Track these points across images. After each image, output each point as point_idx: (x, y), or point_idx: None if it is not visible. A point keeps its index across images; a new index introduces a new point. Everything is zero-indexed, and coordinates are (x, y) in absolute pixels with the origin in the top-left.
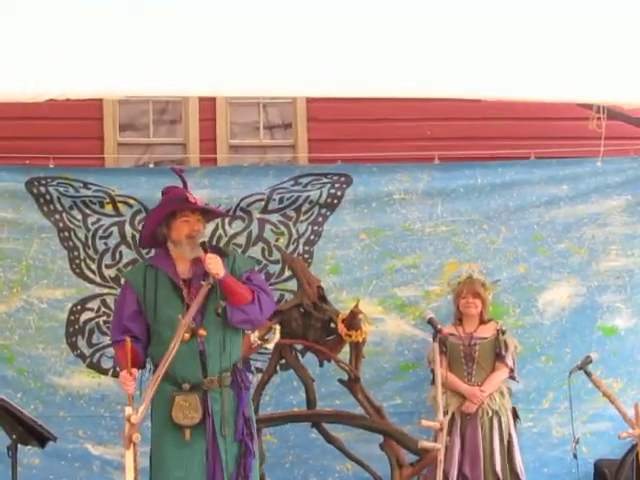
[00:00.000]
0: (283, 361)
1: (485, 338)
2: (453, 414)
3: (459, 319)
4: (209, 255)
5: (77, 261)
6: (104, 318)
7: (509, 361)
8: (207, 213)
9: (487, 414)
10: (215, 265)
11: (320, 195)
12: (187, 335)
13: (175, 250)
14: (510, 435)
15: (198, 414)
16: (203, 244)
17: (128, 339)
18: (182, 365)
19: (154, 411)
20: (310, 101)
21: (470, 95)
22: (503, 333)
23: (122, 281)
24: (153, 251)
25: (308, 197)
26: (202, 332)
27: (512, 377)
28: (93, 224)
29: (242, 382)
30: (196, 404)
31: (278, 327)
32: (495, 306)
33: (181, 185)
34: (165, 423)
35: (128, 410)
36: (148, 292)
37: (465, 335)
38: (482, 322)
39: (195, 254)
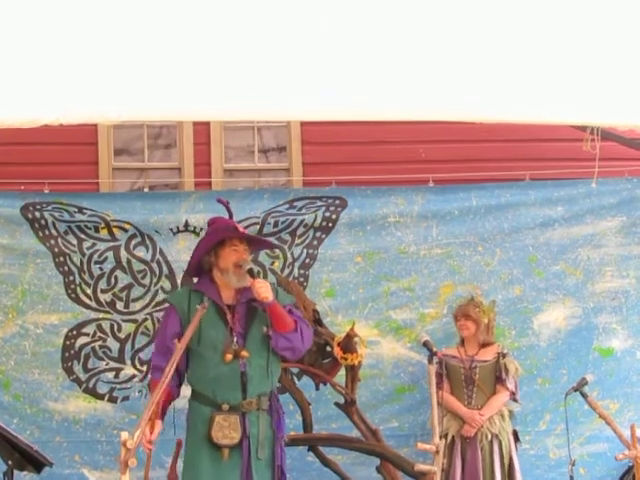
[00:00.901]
0: (279, 385)
1: (486, 361)
2: (453, 437)
3: (462, 341)
4: (258, 280)
5: (73, 286)
6: (100, 343)
7: (510, 384)
8: (253, 244)
9: (487, 437)
10: (265, 289)
11: (315, 218)
12: (229, 356)
13: (221, 278)
14: (511, 458)
15: (238, 434)
16: (250, 270)
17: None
18: (222, 385)
19: (190, 430)
20: (304, 124)
21: (464, 118)
22: (504, 356)
23: (165, 305)
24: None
25: (303, 220)
26: (245, 354)
27: (514, 399)
28: (88, 249)
29: (279, 408)
30: (236, 424)
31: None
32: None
33: (226, 215)
34: (202, 442)
35: (124, 435)
36: (193, 316)
37: (466, 358)
38: (483, 344)
39: (241, 284)
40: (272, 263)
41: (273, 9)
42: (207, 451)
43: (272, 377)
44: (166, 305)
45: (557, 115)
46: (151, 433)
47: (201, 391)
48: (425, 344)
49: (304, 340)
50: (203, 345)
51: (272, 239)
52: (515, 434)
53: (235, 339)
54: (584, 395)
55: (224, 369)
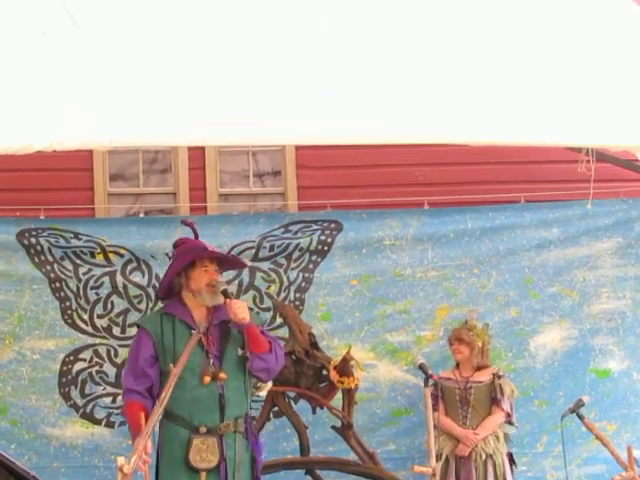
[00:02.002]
0: (276, 408)
1: (481, 382)
2: (447, 457)
3: (457, 364)
4: (235, 301)
5: (69, 311)
6: (97, 368)
7: (505, 405)
8: (223, 263)
9: (481, 457)
10: (243, 310)
11: (310, 242)
12: (208, 378)
13: (192, 299)
14: (505, 479)
15: (215, 457)
16: (225, 291)
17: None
18: (200, 408)
19: (164, 454)
20: (299, 148)
21: (458, 140)
22: (499, 377)
23: (135, 329)
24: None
25: (298, 244)
26: (222, 376)
27: (510, 422)
28: (84, 274)
29: (254, 430)
30: (214, 447)
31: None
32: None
33: (192, 236)
34: (178, 466)
35: (121, 460)
36: (166, 339)
37: (461, 379)
38: (478, 368)
39: (215, 302)
40: (268, 287)
41: (268, 34)
42: (184, 474)
43: (248, 399)
44: (139, 329)
45: (552, 137)
46: (146, 453)
47: (177, 413)
48: (421, 367)
49: (278, 360)
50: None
51: (268, 263)
52: (510, 457)
53: (212, 361)
54: (581, 417)
55: (202, 391)
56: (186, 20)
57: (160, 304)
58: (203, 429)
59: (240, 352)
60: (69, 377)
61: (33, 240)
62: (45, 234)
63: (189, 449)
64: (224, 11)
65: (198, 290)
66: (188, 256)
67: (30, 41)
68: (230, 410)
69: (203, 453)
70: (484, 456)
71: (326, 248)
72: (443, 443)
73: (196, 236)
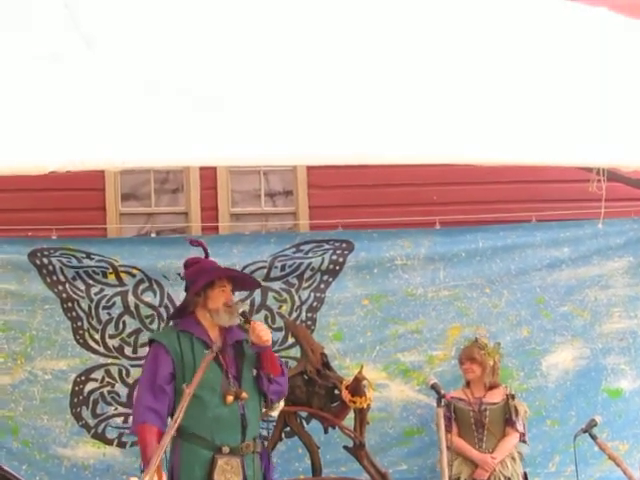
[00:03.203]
0: (288, 428)
1: (495, 403)
2: None
3: (467, 383)
4: (258, 323)
5: (81, 331)
6: (108, 388)
7: (519, 426)
8: (236, 283)
9: None
10: (266, 333)
11: (322, 262)
12: (231, 398)
13: (208, 318)
14: None
15: (239, 478)
16: (244, 313)
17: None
18: (222, 428)
19: (183, 475)
20: (310, 168)
21: (469, 160)
22: (512, 398)
23: (149, 344)
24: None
25: (310, 264)
26: (244, 395)
27: (524, 441)
28: (96, 294)
29: (267, 450)
30: (238, 468)
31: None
32: (500, 369)
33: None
34: None
35: None
36: (185, 357)
37: (474, 400)
38: (489, 387)
39: (232, 322)
40: (280, 307)
41: (279, 57)
42: None
43: (260, 419)
44: (154, 344)
45: (563, 156)
46: (159, 475)
47: (197, 432)
48: (433, 387)
49: (287, 383)
50: (199, 386)
51: (280, 283)
52: (525, 477)
53: (231, 381)
54: (593, 437)
55: (224, 411)
56: (199, 42)
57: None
58: (226, 449)
59: (255, 372)
60: (81, 397)
61: (45, 260)
62: (57, 254)
63: (213, 470)
64: (237, 33)
65: (216, 310)
66: (209, 275)
67: (44, 64)
68: (250, 430)
69: (227, 474)
70: (502, 479)
71: (338, 268)
72: (460, 467)
73: (206, 255)
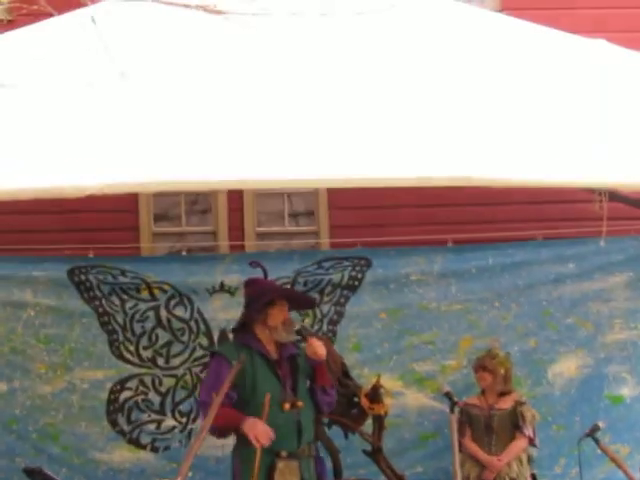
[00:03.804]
0: None
1: (504, 409)
2: None
3: (482, 391)
4: (315, 340)
5: (116, 343)
6: (142, 397)
7: (527, 431)
8: (294, 302)
9: None
10: (322, 348)
11: (342, 278)
12: (288, 405)
13: (266, 334)
14: None
15: (297, 479)
16: (301, 330)
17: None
18: (280, 433)
19: (246, 478)
20: (331, 191)
21: (480, 183)
22: (521, 404)
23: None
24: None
25: (331, 280)
26: (300, 404)
27: (533, 444)
28: (130, 309)
29: (320, 455)
30: (296, 470)
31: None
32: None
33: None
34: None
35: None
36: (246, 369)
37: (486, 406)
38: (501, 393)
39: (289, 339)
40: (303, 320)
41: (299, 86)
42: None
43: (315, 426)
44: (216, 356)
45: (567, 178)
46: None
47: None
48: (447, 394)
49: (335, 395)
50: (259, 396)
51: None
52: (534, 477)
53: (288, 391)
54: (596, 440)
55: (282, 418)
56: (226, 69)
57: (202, 337)
58: (284, 453)
59: (308, 384)
60: (116, 405)
61: (83, 277)
62: (94, 271)
63: (273, 473)
64: (258, 61)
65: (275, 327)
66: (270, 294)
67: (80, 93)
68: (305, 436)
69: (287, 476)
70: None
71: (356, 283)
72: (470, 469)
73: (265, 275)
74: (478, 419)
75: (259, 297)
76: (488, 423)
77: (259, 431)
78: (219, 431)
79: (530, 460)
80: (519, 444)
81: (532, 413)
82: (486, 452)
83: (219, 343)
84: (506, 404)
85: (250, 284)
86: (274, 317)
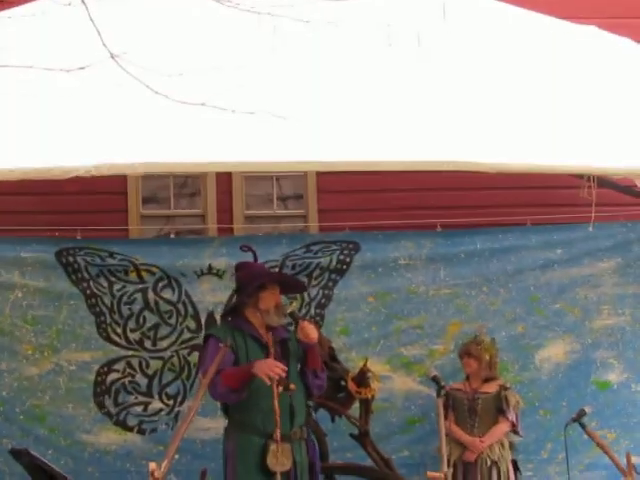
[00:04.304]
0: None
1: (488, 393)
2: (455, 463)
3: (467, 377)
4: (307, 323)
5: (104, 326)
6: (129, 379)
7: (510, 415)
8: (285, 286)
9: (486, 463)
10: (314, 331)
11: (330, 261)
12: (281, 388)
13: (258, 317)
14: None
15: (289, 461)
16: (293, 313)
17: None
18: (273, 417)
19: (239, 461)
20: (320, 174)
21: (469, 167)
22: (505, 389)
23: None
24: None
25: (319, 263)
26: (293, 387)
27: (515, 432)
28: (118, 291)
29: (312, 437)
30: (288, 452)
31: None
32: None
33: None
34: (254, 471)
35: (152, 465)
36: (240, 351)
37: (470, 390)
38: (486, 379)
39: (280, 322)
40: (290, 303)
41: (295, 74)
42: (261, 478)
43: (306, 409)
44: (211, 338)
45: (557, 164)
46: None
47: (250, 422)
48: (434, 379)
49: (326, 378)
50: (255, 382)
51: None
52: (515, 464)
53: None
54: (583, 426)
55: (274, 401)
56: (220, 50)
57: (190, 319)
58: (277, 436)
59: (299, 367)
60: (103, 387)
61: (71, 259)
62: (82, 253)
63: (266, 454)
64: (250, 43)
65: (266, 310)
66: (261, 278)
67: (70, 75)
68: (298, 419)
69: (280, 457)
70: (489, 462)
71: (345, 267)
72: (452, 450)
73: (255, 259)
74: (461, 402)
75: (250, 281)
76: (472, 406)
77: (268, 366)
78: (236, 393)
79: (512, 446)
80: (502, 427)
81: (516, 399)
82: (468, 435)
83: (207, 326)
84: (491, 388)
85: (241, 268)
86: (266, 301)
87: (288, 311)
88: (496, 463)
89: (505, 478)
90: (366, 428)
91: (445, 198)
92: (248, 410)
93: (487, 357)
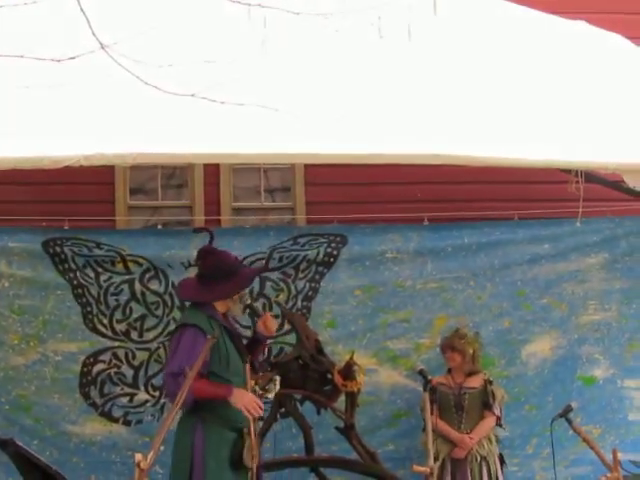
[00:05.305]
0: (283, 410)
1: (474, 388)
2: (444, 460)
3: (449, 370)
4: (270, 316)
5: (90, 316)
6: (115, 370)
7: (496, 410)
8: None
9: (476, 460)
10: (275, 325)
11: (317, 254)
12: (252, 382)
13: (224, 306)
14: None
15: (259, 455)
16: (251, 306)
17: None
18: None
19: (211, 455)
20: (307, 166)
21: (457, 161)
22: (490, 383)
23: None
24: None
25: (306, 256)
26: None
27: (499, 425)
28: (105, 282)
29: None
30: (258, 446)
31: (278, 378)
32: (482, 357)
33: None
34: (226, 466)
35: (138, 456)
36: (219, 342)
37: (455, 385)
38: (469, 373)
39: (239, 312)
40: (277, 295)
41: (291, 68)
42: (233, 473)
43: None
44: (189, 327)
45: (544, 159)
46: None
47: (224, 415)
48: (420, 372)
49: None
50: (231, 372)
51: (277, 273)
52: (501, 457)
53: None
54: (569, 421)
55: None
56: (209, 39)
57: (176, 311)
58: (246, 430)
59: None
60: (89, 378)
61: (58, 249)
62: (69, 243)
63: (243, 449)
64: (244, 34)
65: (234, 301)
66: (242, 283)
67: (61, 65)
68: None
69: (254, 451)
70: (479, 458)
71: (332, 260)
72: (440, 447)
73: (211, 241)
74: (447, 398)
75: (227, 276)
76: (458, 402)
77: (248, 401)
78: (198, 403)
79: (497, 440)
80: (489, 422)
81: (501, 393)
82: (456, 431)
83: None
84: (476, 383)
85: (206, 255)
86: (240, 294)
87: (248, 302)
88: (485, 459)
89: (494, 473)
90: (352, 421)
91: (433, 192)
92: (220, 403)
93: (471, 351)
